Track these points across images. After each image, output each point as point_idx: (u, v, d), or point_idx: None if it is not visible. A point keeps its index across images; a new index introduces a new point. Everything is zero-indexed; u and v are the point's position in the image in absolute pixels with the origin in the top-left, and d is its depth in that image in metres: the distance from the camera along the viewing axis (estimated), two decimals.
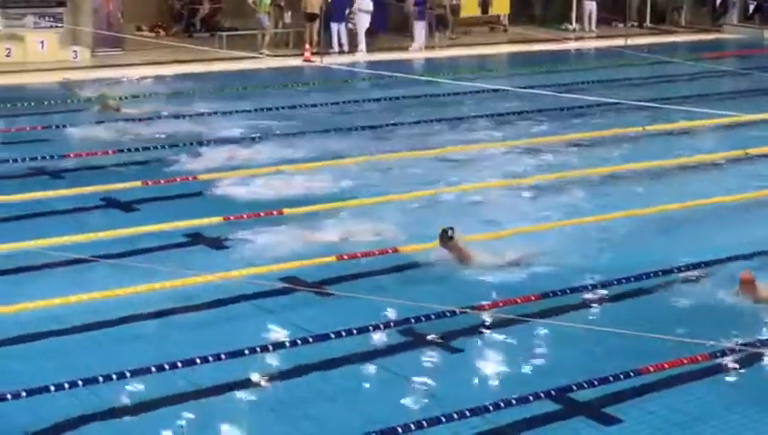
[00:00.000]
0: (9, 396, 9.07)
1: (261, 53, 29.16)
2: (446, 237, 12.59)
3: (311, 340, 10.48)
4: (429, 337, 10.67)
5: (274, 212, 14.60)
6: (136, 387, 9.43)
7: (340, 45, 31.10)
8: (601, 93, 23.48)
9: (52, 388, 9.23)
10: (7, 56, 28.15)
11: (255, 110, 22.12)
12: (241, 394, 9.46)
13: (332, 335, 10.55)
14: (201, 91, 24.21)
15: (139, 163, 17.62)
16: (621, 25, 37.03)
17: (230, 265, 12.60)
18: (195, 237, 13.74)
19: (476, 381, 9.88)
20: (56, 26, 29.16)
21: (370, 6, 30.96)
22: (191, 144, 18.68)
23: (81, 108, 22.16)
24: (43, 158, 17.60)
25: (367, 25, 30.99)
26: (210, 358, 9.92)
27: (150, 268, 11.98)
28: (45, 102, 22.59)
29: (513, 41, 34.38)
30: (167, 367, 9.74)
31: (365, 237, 13.60)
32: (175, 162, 17.44)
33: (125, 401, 9.24)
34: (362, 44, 30.83)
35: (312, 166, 17.27)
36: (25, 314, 11.01)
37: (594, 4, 36.27)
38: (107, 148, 18.39)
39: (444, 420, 8.84)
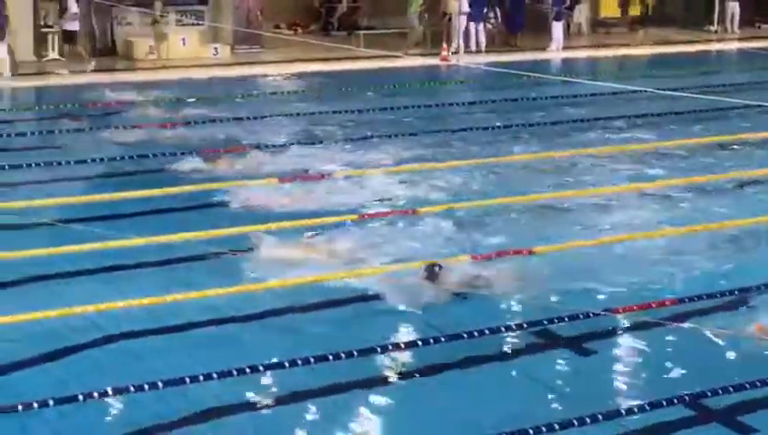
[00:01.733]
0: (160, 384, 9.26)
1: (406, 53, 29.25)
2: (433, 275, 11.78)
3: (443, 339, 10.48)
4: (562, 338, 10.60)
5: (409, 211, 14.64)
6: (272, 381, 9.57)
7: (478, 45, 31.05)
8: (743, 96, 23.03)
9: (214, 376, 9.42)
10: (150, 53, 28.76)
11: (392, 108, 22.21)
12: (373, 392, 9.50)
13: (465, 335, 10.54)
14: (337, 89, 24.39)
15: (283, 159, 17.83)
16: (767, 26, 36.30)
17: (371, 261, 12.62)
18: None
19: (609, 384, 9.78)
20: (198, 24, 29.70)
21: (466, 7, 30.77)
22: (335, 142, 18.88)
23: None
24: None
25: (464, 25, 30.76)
26: (343, 355, 9.97)
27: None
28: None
29: (653, 42, 33.94)
30: (312, 361, 9.83)
31: (497, 238, 13.56)
32: (313, 158, 17.60)
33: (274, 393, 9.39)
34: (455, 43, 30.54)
35: (448, 165, 17.27)
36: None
37: (737, 4, 35.53)
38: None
39: (576, 423, 8.78)
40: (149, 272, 12.33)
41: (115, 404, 8.99)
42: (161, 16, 28.71)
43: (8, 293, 11.56)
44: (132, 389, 9.13)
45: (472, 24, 30.97)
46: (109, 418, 8.82)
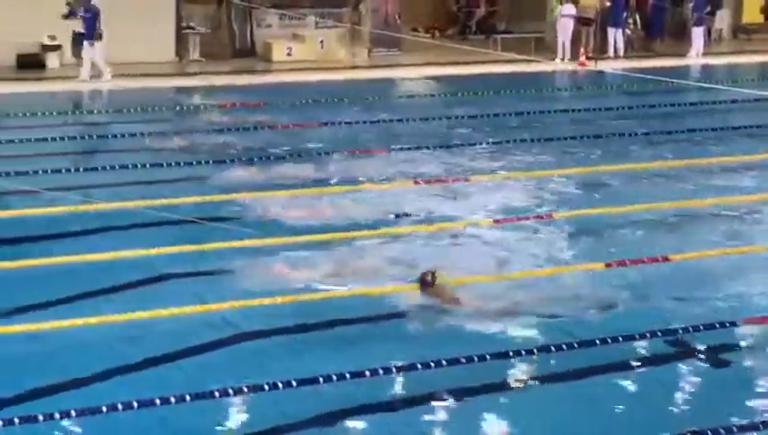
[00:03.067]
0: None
1: (553, 58, 29.13)
2: (426, 283, 11.35)
3: (576, 345, 10.42)
4: (696, 349, 10.45)
5: (544, 216, 14.58)
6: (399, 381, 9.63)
7: (616, 50, 30.73)
8: None
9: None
10: (288, 54, 29.10)
11: (528, 113, 22.13)
12: (503, 395, 9.50)
13: (597, 342, 10.46)
14: (473, 93, 24.39)
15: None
16: None
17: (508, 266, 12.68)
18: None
19: (745, 396, 9.61)
20: (337, 26, 29.95)
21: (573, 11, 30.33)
22: (470, 145, 18.91)
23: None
24: None
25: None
26: (463, 359, 9.95)
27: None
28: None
29: None
30: (432, 365, 9.85)
31: (630, 246, 13.43)
32: (448, 162, 17.64)
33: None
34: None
35: (583, 170, 17.17)
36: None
37: None
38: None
39: (710, 434, 8.66)
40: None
41: (248, 401, 9.13)
42: (299, 18, 29.05)
43: (144, 290, 11.80)
44: (267, 387, 9.26)
45: (611, 30, 30.66)
46: (242, 415, 8.97)
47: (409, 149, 18.63)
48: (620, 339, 10.50)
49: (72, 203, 14.34)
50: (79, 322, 10.56)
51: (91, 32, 25.19)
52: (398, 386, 9.65)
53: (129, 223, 13.90)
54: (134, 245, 12.91)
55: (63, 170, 16.61)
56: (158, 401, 8.92)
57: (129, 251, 12.66)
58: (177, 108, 22.79)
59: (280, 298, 11.28)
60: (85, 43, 25.25)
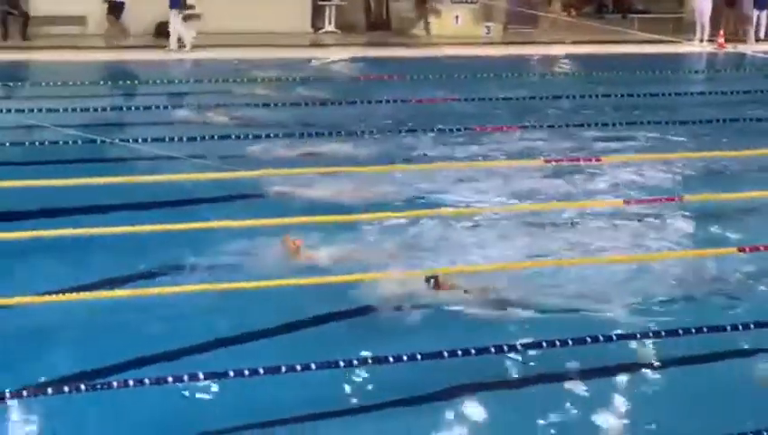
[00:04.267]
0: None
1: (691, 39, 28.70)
2: (429, 287, 10.64)
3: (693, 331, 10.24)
4: None
5: (675, 198, 14.38)
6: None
7: (758, 33, 30.09)
8: None
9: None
10: (423, 29, 29.15)
11: (662, 94, 21.82)
12: (642, 378, 9.42)
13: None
14: (607, 72, 24.14)
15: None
16: None
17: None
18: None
19: None
20: (473, 2, 29.87)
21: None
22: (601, 125, 18.75)
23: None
24: None
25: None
26: (588, 339, 9.87)
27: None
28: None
29: None
30: (557, 344, 9.76)
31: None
32: (579, 141, 17.52)
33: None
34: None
35: (716, 154, 16.86)
36: None
37: None
38: None
39: None
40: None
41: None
42: None
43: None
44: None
45: (755, 11, 30.02)
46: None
47: (541, 127, 18.53)
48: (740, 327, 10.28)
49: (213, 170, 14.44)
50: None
51: (178, 1, 25.53)
52: None
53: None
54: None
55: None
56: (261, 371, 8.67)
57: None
58: (311, 79, 22.97)
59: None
60: (172, 11, 25.59)
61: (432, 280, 10.66)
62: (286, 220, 12.26)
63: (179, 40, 25.55)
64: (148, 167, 14.96)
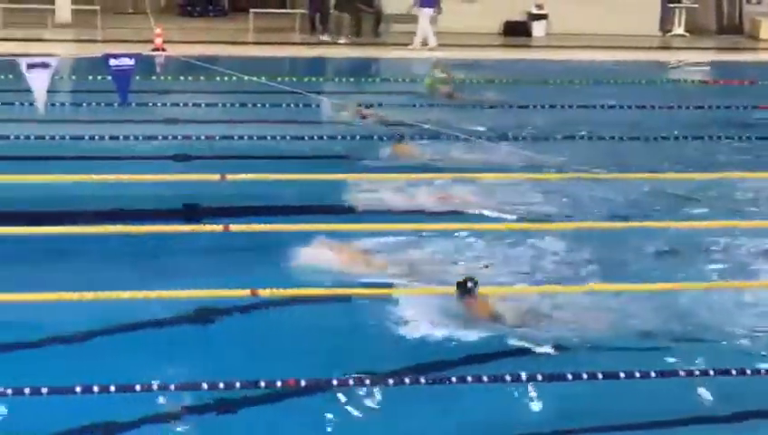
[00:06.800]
0: None
1: None
2: (463, 290, 9.63)
3: None
4: None
5: None
6: None
7: None
8: None
9: None
10: None
11: None
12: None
13: None
14: None
15: None
16: None
17: None
18: None
19: None
20: None
21: None
22: None
23: None
24: None
25: None
26: None
27: None
28: None
29: None
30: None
31: None
32: None
33: None
34: None
35: None
36: None
37: None
38: None
39: None
40: None
41: None
42: None
43: None
44: None
45: None
46: None
47: None
48: None
49: None
50: None
51: (432, 0, 25.56)
52: None
53: None
54: None
55: None
56: None
57: None
58: (658, 82, 22.57)
59: None
60: (424, 10, 25.59)
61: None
62: None
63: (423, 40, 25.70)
64: None
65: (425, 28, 25.61)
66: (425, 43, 25.56)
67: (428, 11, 25.58)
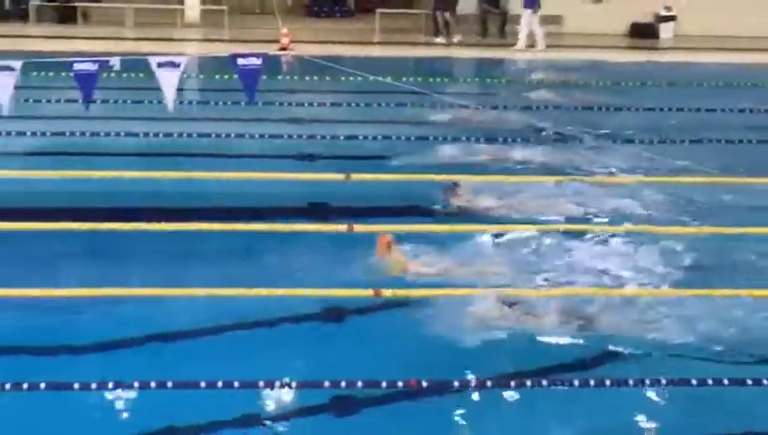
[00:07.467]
0: None
1: None
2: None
3: None
4: None
5: None
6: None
7: None
8: None
9: None
10: None
11: None
12: None
13: None
14: None
15: None
16: None
17: None
18: None
19: None
20: None
21: None
22: None
23: None
24: None
25: None
26: None
27: None
28: None
29: None
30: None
31: None
32: None
33: None
34: None
35: None
36: None
37: None
38: None
39: None
40: None
41: None
42: None
43: None
44: None
45: None
46: None
47: None
48: None
49: None
50: None
51: (533, 1, 25.26)
52: None
53: None
54: None
55: None
56: None
57: None
58: None
59: None
60: (526, 11, 25.28)
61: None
62: None
63: (531, 38, 25.45)
64: None
65: (531, 28, 25.53)
66: (531, 45, 25.49)
67: (529, 11, 25.54)
